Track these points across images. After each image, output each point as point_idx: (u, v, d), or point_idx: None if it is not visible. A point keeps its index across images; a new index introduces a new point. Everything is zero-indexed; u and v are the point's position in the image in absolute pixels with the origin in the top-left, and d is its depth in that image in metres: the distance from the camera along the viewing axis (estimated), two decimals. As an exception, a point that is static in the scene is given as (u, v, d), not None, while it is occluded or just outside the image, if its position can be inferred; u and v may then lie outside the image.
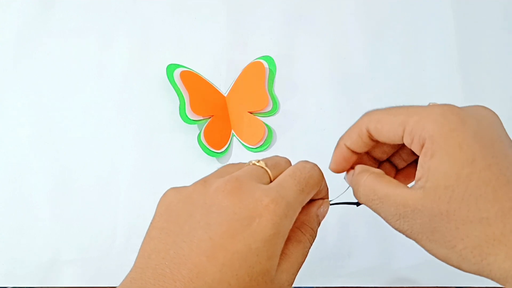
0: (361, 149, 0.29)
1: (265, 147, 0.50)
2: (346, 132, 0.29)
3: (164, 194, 0.28)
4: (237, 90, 0.52)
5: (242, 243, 0.24)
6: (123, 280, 0.27)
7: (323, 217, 0.31)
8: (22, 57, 0.53)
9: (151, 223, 0.28)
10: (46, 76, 0.52)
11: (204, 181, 0.28)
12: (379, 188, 0.26)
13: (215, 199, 0.25)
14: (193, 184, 0.28)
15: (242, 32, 0.53)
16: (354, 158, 0.30)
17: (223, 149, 0.49)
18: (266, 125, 0.50)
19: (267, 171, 0.29)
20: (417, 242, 0.25)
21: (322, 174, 0.30)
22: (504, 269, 0.22)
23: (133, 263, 0.27)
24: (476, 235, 0.23)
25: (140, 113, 0.51)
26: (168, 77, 0.50)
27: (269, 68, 0.52)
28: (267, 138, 0.50)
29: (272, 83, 0.52)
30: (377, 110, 0.28)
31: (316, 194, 0.30)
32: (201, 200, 0.26)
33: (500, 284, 0.24)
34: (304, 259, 0.29)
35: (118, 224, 0.47)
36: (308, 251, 0.30)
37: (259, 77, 0.51)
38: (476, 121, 0.24)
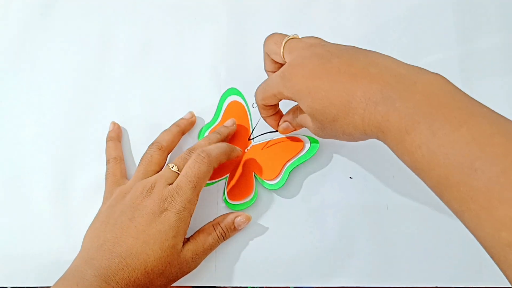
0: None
1: (243, 207, 0.45)
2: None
3: (113, 196, 0.41)
4: (258, 149, 0.47)
5: (155, 229, 0.37)
6: (74, 259, 0.38)
7: (240, 226, 0.43)
8: (22, 57, 0.53)
9: (95, 217, 0.41)
10: (46, 76, 0.52)
11: (133, 181, 0.42)
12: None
13: (138, 201, 0.39)
14: (127, 186, 0.41)
15: (242, 33, 0.53)
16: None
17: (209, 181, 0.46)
18: (256, 191, 0.45)
19: (177, 173, 0.40)
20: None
21: (211, 164, 0.40)
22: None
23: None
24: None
25: (139, 113, 0.51)
26: (221, 98, 0.49)
27: (309, 148, 0.45)
28: (250, 199, 0.45)
29: (299, 163, 0.45)
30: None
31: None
32: (129, 201, 0.39)
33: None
34: (210, 247, 0.41)
35: (118, 224, 0.47)
36: (216, 243, 0.41)
37: (287, 153, 0.46)
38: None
